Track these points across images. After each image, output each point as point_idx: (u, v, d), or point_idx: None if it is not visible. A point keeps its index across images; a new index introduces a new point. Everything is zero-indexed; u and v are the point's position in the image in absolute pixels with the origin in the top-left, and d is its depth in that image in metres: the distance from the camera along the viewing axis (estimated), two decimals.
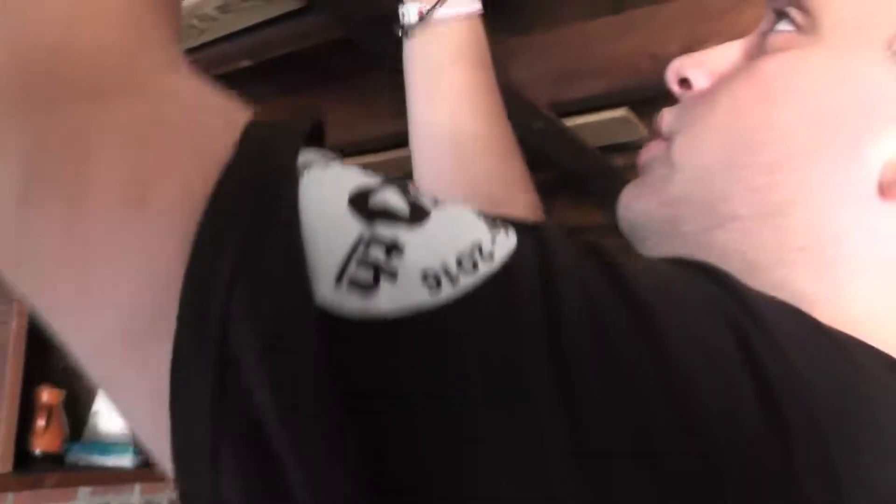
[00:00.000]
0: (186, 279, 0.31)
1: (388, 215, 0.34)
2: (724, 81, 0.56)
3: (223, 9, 1.42)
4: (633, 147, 2.19)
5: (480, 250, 0.33)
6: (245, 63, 1.67)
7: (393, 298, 0.31)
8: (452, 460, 0.29)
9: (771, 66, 0.53)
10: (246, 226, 0.32)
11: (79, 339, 0.34)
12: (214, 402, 0.30)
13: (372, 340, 0.31)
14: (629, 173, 2.26)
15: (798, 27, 0.54)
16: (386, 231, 0.33)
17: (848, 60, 0.50)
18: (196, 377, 0.31)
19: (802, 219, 0.50)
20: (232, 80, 1.74)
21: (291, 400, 0.29)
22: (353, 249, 0.32)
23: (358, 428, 0.29)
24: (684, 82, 0.60)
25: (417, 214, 0.35)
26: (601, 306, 0.33)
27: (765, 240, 0.50)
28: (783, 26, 0.55)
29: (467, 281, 0.32)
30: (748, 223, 0.51)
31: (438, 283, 0.32)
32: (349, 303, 0.31)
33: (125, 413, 0.35)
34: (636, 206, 0.59)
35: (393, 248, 0.33)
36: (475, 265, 0.33)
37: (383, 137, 1.93)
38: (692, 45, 1.47)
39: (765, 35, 0.57)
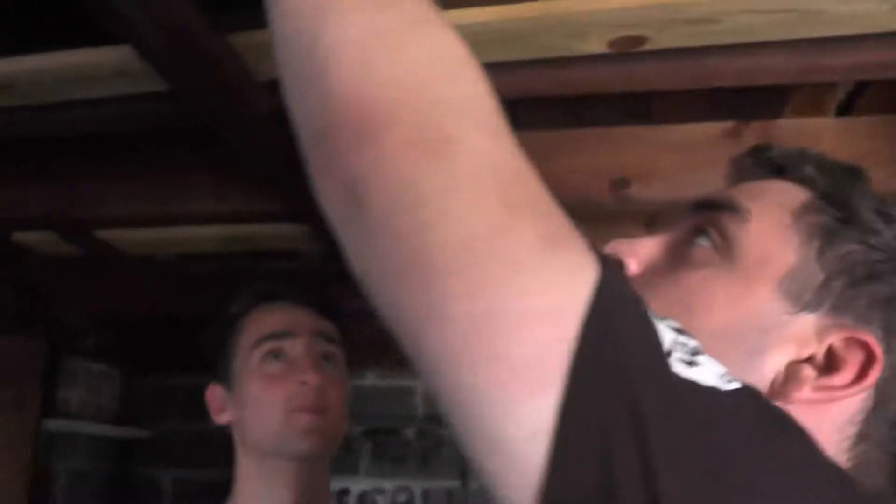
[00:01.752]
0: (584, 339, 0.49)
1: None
2: (654, 280, 0.74)
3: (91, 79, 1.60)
4: None
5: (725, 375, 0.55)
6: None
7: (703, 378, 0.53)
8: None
9: (693, 280, 0.71)
10: (628, 310, 0.53)
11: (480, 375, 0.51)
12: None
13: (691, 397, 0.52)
14: None
15: (715, 247, 0.72)
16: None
17: (751, 288, 0.69)
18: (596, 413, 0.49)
19: None
20: None
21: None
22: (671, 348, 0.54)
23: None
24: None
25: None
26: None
27: None
28: (703, 241, 0.73)
29: (734, 385, 0.55)
30: None
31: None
32: (682, 370, 0.53)
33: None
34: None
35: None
36: (730, 381, 0.55)
37: None
38: (644, 174, 1.88)
39: (686, 242, 0.75)
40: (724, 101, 1.76)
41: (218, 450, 4.35)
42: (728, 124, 1.82)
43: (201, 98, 1.40)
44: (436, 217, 0.53)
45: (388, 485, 4.01)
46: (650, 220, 2.30)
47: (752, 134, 1.80)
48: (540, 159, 1.81)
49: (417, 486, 4.09)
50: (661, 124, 1.86)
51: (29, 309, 3.08)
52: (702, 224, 0.74)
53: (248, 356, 1.40)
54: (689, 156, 1.84)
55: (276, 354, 1.39)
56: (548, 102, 1.74)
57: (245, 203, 2.00)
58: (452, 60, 0.60)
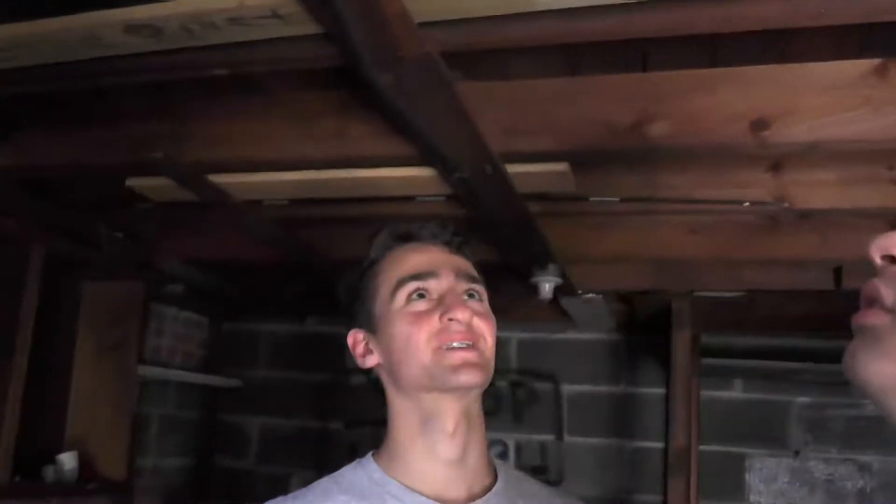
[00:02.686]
0: None
1: None
2: None
3: (235, 21, 1.65)
4: (556, 198, 2.38)
5: None
6: (220, 72, 1.61)
7: None
8: None
9: None
10: None
11: None
12: None
13: None
14: (543, 220, 2.49)
15: None
16: None
17: None
18: None
19: None
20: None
21: None
22: None
23: None
24: (888, 258, 0.77)
25: None
26: None
27: None
28: None
29: None
30: None
31: None
32: None
33: None
34: (876, 370, 0.74)
35: None
36: None
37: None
38: (643, 120, 1.91)
39: None
40: (871, 36, 1.74)
41: (304, 399, 4.52)
42: (875, 62, 1.80)
43: (355, 38, 1.43)
44: None
45: None
46: (777, 163, 2.31)
47: None
48: (674, 100, 1.85)
49: (511, 438, 4.19)
50: (801, 62, 1.84)
51: (132, 254, 3.19)
52: None
53: (391, 297, 1.43)
54: (832, 95, 1.83)
55: (421, 294, 1.43)
56: (680, 41, 1.74)
57: (370, 146, 2.05)
58: None
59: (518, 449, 4.15)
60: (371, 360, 1.47)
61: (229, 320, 4.55)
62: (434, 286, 1.41)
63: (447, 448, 1.40)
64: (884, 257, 0.78)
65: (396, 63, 1.53)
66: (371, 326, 1.46)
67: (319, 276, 3.23)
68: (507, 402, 4.18)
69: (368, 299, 1.47)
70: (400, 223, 1.52)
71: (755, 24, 1.52)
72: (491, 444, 4.26)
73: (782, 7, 1.43)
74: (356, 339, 1.48)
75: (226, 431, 4.48)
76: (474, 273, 1.45)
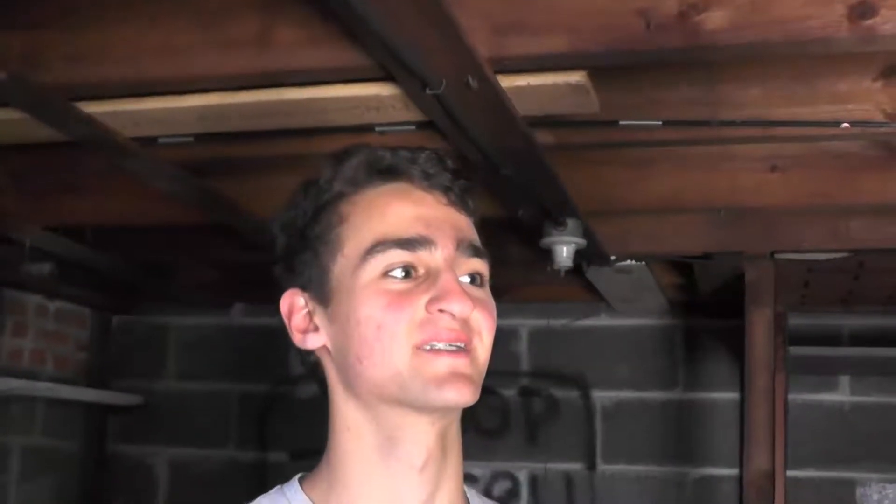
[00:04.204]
0: None
1: None
2: None
3: None
4: (573, 123, 2.37)
5: None
6: None
7: None
8: None
9: None
10: None
11: None
12: None
13: None
14: (557, 155, 2.47)
15: None
16: None
17: None
18: None
19: None
20: None
21: None
22: None
23: None
24: None
25: None
26: None
27: None
28: None
29: None
30: None
31: None
32: None
33: None
34: None
35: None
36: None
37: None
38: (694, 7, 1.87)
39: None
40: None
41: (233, 420, 4.51)
42: None
43: None
44: None
45: (481, 469, 4.06)
46: (890, 69, 2.29)
47: None
48: None
49: (522, 469, 4.18)
50: None
51: None
52: None
53: (362, 262, 1.37)
54: None
55: (405, 269, 1.40)
56: None
57: (305, 55, 2.03)
58: None
59: (533, 483, 4.17)
60: (314, 341, 1.43)
61: (122, 312, 4.54)
62: (425, 259, 1.38)
63: (413, 487, 1.38)
64: None
65: None
66: (322, 293, 1.42)
67: (247, 244, 3.21)
68: (518, 418, 4.18)
69: (324, 253, 1.42)
70: (379, 149, 1.48)
71: None
72: (495, 477, 4.30)
73: None
74: (294, 303, 1.44)
75: (121, 468, 4.48)
76: (478, 242, 1.42)
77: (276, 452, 4.31)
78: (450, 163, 1.41)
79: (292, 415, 4.21)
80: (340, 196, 1.41)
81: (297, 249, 1.44)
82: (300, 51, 2.05)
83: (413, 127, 2.40)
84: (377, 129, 2.41)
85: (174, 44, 2.12)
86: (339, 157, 1.42)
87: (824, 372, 4.00)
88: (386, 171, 1.41)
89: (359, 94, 2.22)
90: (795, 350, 3.65)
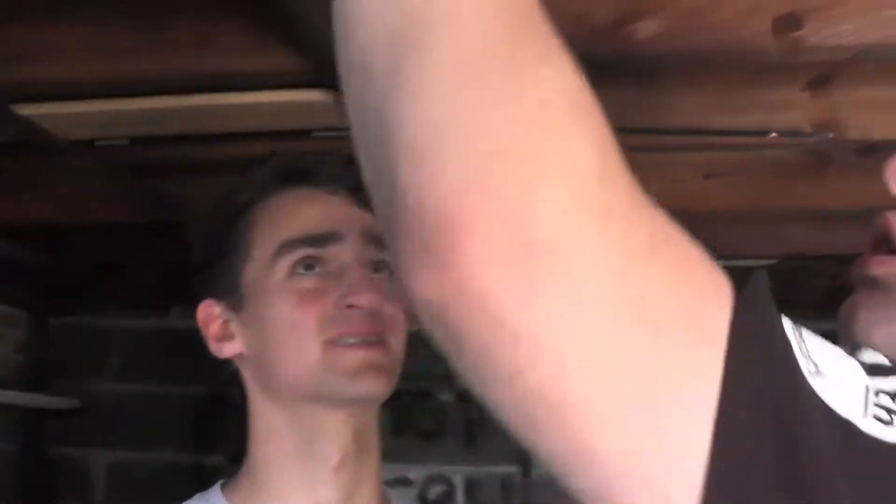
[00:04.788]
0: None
1: (877, 370, 0.70)
2: None
3: None
4: None
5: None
6: None
7: None
8: None
9: None
10: (777, 384, 0.65)
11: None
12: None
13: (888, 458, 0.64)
14: None
15: None
16: (883, 384, 0.69)
17: None
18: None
19: None
20: None
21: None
22: (866, 396, 0.67)
23: None
24: None
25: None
26: None
27: None
28: None
29: None
30: None
31: None
32: (877, 431, 0.65)
33: None
34: (886, 337, 0.84)
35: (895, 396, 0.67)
36: None
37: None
38: (628, 16, 1.90)
39: None
40: None
41: (172, 423, 4.45)
42: None
43: None
44: (556, 365, 0.63)
45: (416, 472, 4.03)
46: (821, 77, 2.32)
47: None
48: None
49: (458, 472, 4.19)
50: None
51: None
52: None
53: (271, 264, 1.41)
54: None
55: (311, 265, 1.41)
56: None
57: (243, 58, 2.04)
58: (558, 121, 0.66)
59: (469, 488, 4.15)
60: (231, 348, 1.46)
61: (59, 314, 4.50)
62: (333, 254, 1.41)
63: (330, 488, 1.40)
64: None
65: None
66: (236, 300, 1.45)
67: (188, 246, 3.19)
68: (455, 421, 4.17)
69: (236, 260, 1.46)
70: (288, 156, 1.50)
71: None
72: (431, 480, 4.26)
73: None
74: (209, 313, 1.47)
75: (59, 471, 4.44)
76: None
77: (214, 456, 4.28)
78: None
79: (230, 418, 4.20)
80: (249, 204, 1.45)
81: (210, 259, 1.47)
82: (240, 55, 2.05)
83: (349, 132, 2.39)
84: (315, 133, 2.42)
85: (114, 46, 2.11)
86: (248, 168, 1.45)
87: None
88: (293, 177, 1.45)
89: (297, 99, 2.22)
90: None
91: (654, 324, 0.64)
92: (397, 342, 1.41)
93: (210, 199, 2.86)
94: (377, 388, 1.38)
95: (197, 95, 2.25)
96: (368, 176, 0.72)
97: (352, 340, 1.37)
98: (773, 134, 2.38)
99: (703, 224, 2.67)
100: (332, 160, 1.44)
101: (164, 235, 3.27)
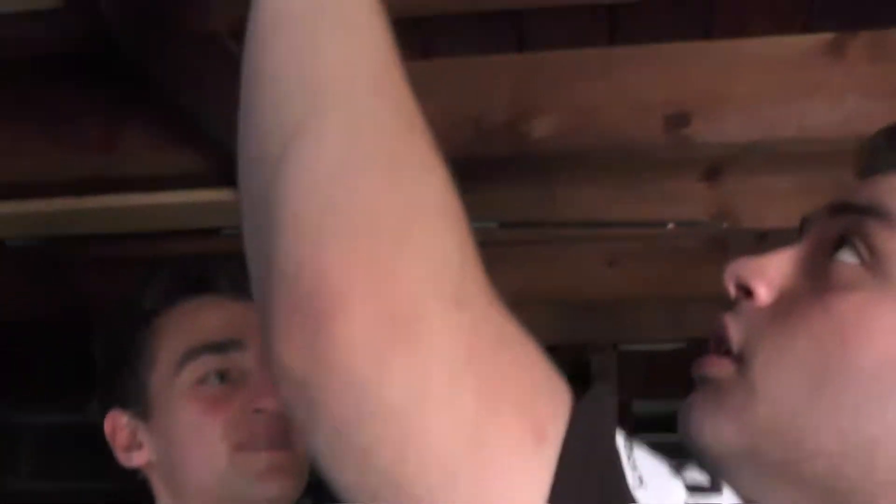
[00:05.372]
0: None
1: (697, 489, 0.75)
2: (795, 308, 0.84)
3: None
4: None
5: None
6: None
7: None
8: None
9: (845, 307, 0.81)
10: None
11: None
12: None
13: None
14: None
15: (863, 262, 0.82)
16: (702, 500, 0.74)
17: None
18: None
19: (887, 456, 0.78)
20: None
21: None
22: None
23: None
24: (743, 289, 0.88)
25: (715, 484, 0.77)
26: None
27: (849, 473, 0.78)
28: (847, 256, 0.83)
29: None
30: (834, 459, 0.78)
31: None
32: None
33: None
34: (713, 432, 0.85)
35: None
36: None
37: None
38: (522, 112, 1.96)
39: (824, 255, 0.86)
40: (819, 4, 1.82)
41: None
42: (826, 36, 1.88)
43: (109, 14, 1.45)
44: (403, 437, 0.66)
45: None
46: (714, 169, 2.39)
47: (861, 48, 1.86)
48: (561, 88, 1.89)
49: None
50: (730, 38, 1.91)
51: None
52: (843, 234, 0.84)
53: (176, 373, 1.41)
54: (772, 80, 1.90)
55: (219, 374, 1.41)
56: (567, 11, 1.80)
57: (150, 160, 2.05)
58: (429, 218, 0.71)
59: None
60: (139, 458, 1.46)
61: None
62: (237, 361, 1.41)
63: None
64: (739, 287, 0.88)
65: (174, 46, 1.55)
66: (142, 409, 1.44)
67: (95, 328, 3.17)
68: None
69: (140, 370, 1.45)
70: (188, 262, 1.50)
71: None
72: None
73: None
74: (116, 423, 1.46)
75: None
76: None
77: None
78: None
79: None
80: (152, 312, 1.44)
81: (115, 368, 1.47)
82: (146, 156, 2.05)
83: None
84: (223, 231, 2.43)
85: (20, 147, 2.12)
86: (147, 276, 1.45)
87: (673, 457, 4.07)
88: (195, 285, 1.45)
89: (204, 199, 2.23)
90: (643, 436, 3.72)
91: (493, 417, 0.66)
92: (304, 443, 1.42)
93: (119, 298, 2.90)
94: (285, 489, 1.38)
95: (105, 196, 2.26)
96: (251, 253, 0.74)
97: (259, 444, 1.37)
98: (671, 225, 2.42)
99: (608, 311, 2.72)
100: (233, 265, 1.45)
101: (77, 332, 3.26)
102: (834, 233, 0.85)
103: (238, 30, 1.58)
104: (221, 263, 1.48)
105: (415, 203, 0.70)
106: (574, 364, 3.61)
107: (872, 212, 0.83)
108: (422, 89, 1.95)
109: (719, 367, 0.86)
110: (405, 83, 0.77)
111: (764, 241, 2.65)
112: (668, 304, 3.16)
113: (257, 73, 0.78)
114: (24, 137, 2.11)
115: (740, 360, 0.85)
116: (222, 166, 2.02)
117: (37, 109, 2.11)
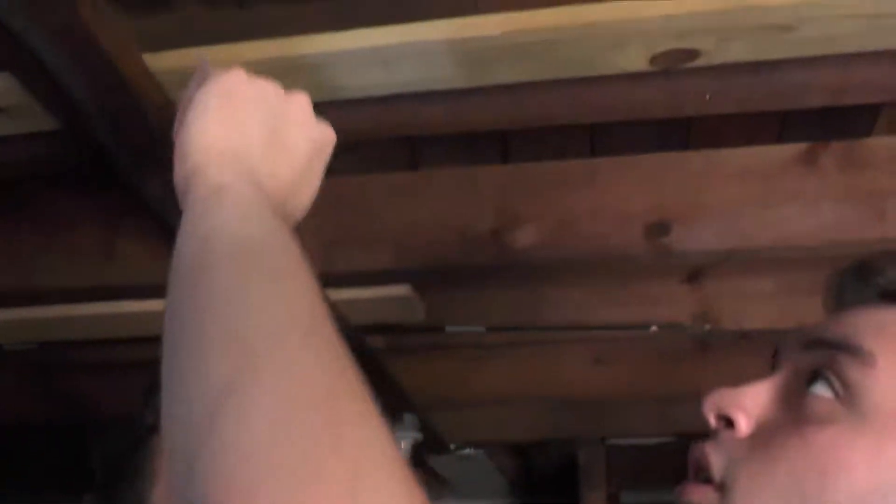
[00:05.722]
0: None
1: None
2: (774, 439, 0.86)
3: None
4: (402, 329, 2.47)
5: None
6: None
7: None
8: None
9: (822, 440, 0.82)
10: None
11: None
12: None
13: None
14: (389, 357, 2.59)
15: (837, 396, 0.84)
16: None
17: (890, 446, 0.81)
18: None
19: None
20: None
21: None
22: None
23: None
24: (723, 419, 0.90)
25: None
26: None
27: None
28: (821, 390, 0.85)
29: None
30: None
31: None
32: None
33: None
34: None
35: None
36: None
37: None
38: (506, 222, 1.99)
39: (799, 388, 0.88)
40: (792, 117, 1.86)
41: None
42: (800, 146, 1.92)
43: (105, 135, 1.49)
44: None
45: None
46: (695, 272, 2.42)
47: (833, 158, 1.90)
48: (543, 198, 1.93)
49: None
50: (706, 148, 1.96)
51: None
52: (817, 367, 0.86)
53: None
54: (748, 189, 1.94)
55: None
56: (556, 127, 1.85)
57: (146, 269, 2.07)
58: (371, 473, 0.68)
59: None
60: None
61: None
62: None
63: None
64: (718, 418, 0.89)
65: (165, 165, 1.58)
66: None
67: (94, 442, 3.18)
68: None
69: (140, 486, 1.45)
70: None
71: (635, 112, 1.63)
72: None
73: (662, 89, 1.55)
74: None
75: None
76: None
77: None
78: None
79: None
80: (154, 429, 1.43)
81: (113, 483, 1.46)
82: (141, 265, 2.07)
83: None
84: None
85: (17, 255, 2.13)
86: (152, 389, 1.45)
87: None
88: None
89: None
90: None
91: None
92: None
93: (118, 397, 2.90)
94: None
95: (100, 304, 2.28)
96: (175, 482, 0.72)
97: None
98: (654, 328, 2.45)
99: (595, 406, 2.75)
100: None
101: (71, 435, 3.27)
102: (808, 366, 0.87)
103: None
104: None
105: (360, 463, 0.67)
106: (562, 458, 3.63)
107: (844, 347, 0.85)
108: (409, 200, 2.00)
109: (702, 495, 0.87)
110: (333, 329, 0.77)
111: (745, 341, 2.68)
112: (655, 400, 3.18)
113: (181, 322, 0.78)
114: (22, 245, 2.13)
115: (722, 489, 0.86)
116: None
117: (35, 217, 2.14)
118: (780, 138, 1.93)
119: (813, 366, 0.87)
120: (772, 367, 0.93)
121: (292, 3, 1.47)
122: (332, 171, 1.97)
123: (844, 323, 0.89)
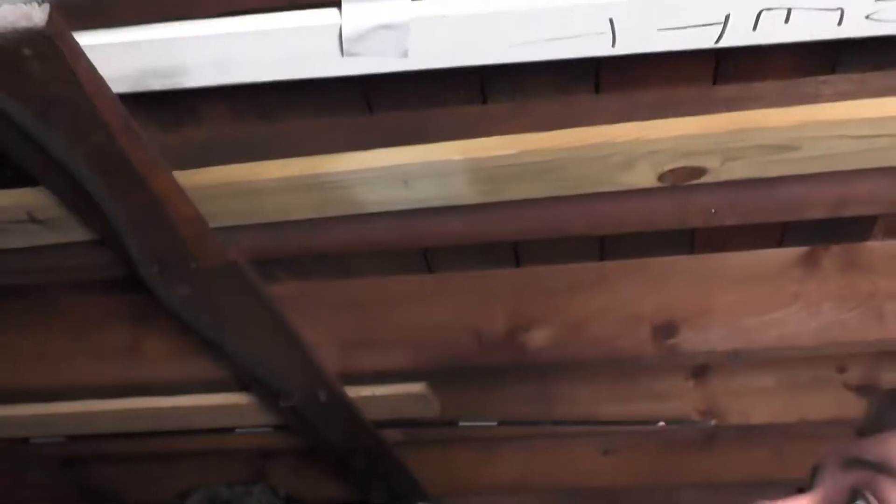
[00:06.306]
0: None
1: None
2: None
3: None
4: (417, 423, 2.47)
5: None
6: None
7: None
8: None
9: None
10: None
11: None
12: None
13: None
14: (406, 449, 2.60)
15: None
16: None
17: None
18: None
19: None
20: None
21: None
22: None
23: None
24: None
25: None
26: None
27: None
28: None
29: None
30: None
31: None
32: None
33: None
34: None
35: None
36: None
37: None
38: (519, 324, 2.02)
39: None
40: (793, 223, 1.89)
41: None
42: (800, 250, 1.95)
43: (135, 247, 1.52)
44: None
45: None
46: (700, 369, 2.43)
47: (834, 261, 1.93)
48: (556, 301, 1.97)
49: None
50: (711, 252, 1.99)
51: None
52: (856, 487, 0.88)
53: None
54: (752, 292, 1.96)
55: None
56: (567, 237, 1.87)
57: (170, 367, 2.10)
58: None
59: None
60: None
61: None
62: None
63: None
64: None
65: (192, 274, 1.61)
66: None
67: None
68: None
69: None
70: (215, 485, 1.51)
71: (644, 225, 1.66)
72: None
73: (670, 204, 1.57)
74: None
75: None
76: None
77: None
78: (283, 494, 1.47)
79: None
80: None
81: None
82: (166, 363, 2.11)
83: (270, 429, 2.46)
84: (237, 430, 2.46)
85: (48, 352, 2.17)
86: (184, 495, 1.47)
87: None
88: None
89: (220, 402, 2.28)
90: None
91: None
92: None
93: (142, 487, 2.91)
94: None
95: (127, 399, 2.29)
96: None
97: None
98: (662, 423, 2.46)
99: (603, 497, 2.74)
100: (260, 488, 1.47)
101: None
102: (847, 485, 0.89)
103: (257, 258, 1.67)
104: (249, 485, 1.50)
105: None
106: None
107: (884, 469, 0.86)
108: (426, 302, 2.03)
109: None
110: None
111: (750, 434, 2.68)
112: (662, 490, 3.17)
113: None
114: (49, 341, 2.16)
115: None
116: (238, 373, 2.07)
117: (65, 317, 2.16)
118: (781, 242, 1.95)
119: (853, 485, 0.88)
120: (810, 484, 0.94)
121: (316, 118, 1.51)
122: (351, 274, 2.02)
123: (884, 446, 0.89)
